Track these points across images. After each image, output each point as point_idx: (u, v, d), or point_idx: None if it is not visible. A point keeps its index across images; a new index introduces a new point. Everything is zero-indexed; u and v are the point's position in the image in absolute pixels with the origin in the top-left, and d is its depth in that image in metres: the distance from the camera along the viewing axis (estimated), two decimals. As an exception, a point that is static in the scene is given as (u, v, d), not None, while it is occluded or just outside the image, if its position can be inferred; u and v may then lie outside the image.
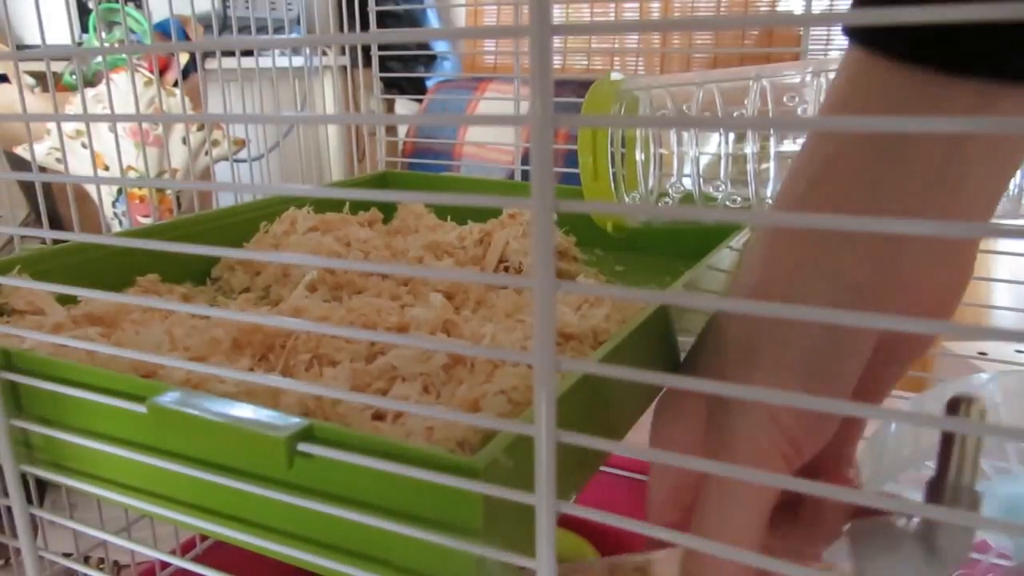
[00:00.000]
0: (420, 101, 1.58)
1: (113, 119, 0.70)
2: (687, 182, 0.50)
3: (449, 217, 0.59)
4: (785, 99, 0.45)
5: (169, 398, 0.26)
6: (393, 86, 1.67)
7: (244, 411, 0.25)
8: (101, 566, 0.68)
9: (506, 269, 0.51)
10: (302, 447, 0.24)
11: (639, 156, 0.49)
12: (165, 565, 0.62)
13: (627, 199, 0.50)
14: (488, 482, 0.21)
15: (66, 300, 0.40)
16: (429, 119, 1.43)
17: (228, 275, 0.50)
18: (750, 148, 0.47)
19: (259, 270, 0.49)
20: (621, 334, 0.31)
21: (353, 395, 0.24)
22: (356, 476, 0.24)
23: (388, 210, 0.62)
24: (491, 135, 1.18)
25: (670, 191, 0.50)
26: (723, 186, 0.48)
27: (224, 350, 0.36)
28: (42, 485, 0.79)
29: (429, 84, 1.63)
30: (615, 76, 0.51)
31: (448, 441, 0.27)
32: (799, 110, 0.46)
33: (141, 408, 0.27)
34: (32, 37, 1.24)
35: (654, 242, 0.59)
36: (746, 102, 0.47)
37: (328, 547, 0.26)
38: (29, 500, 0.35)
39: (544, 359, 0.19)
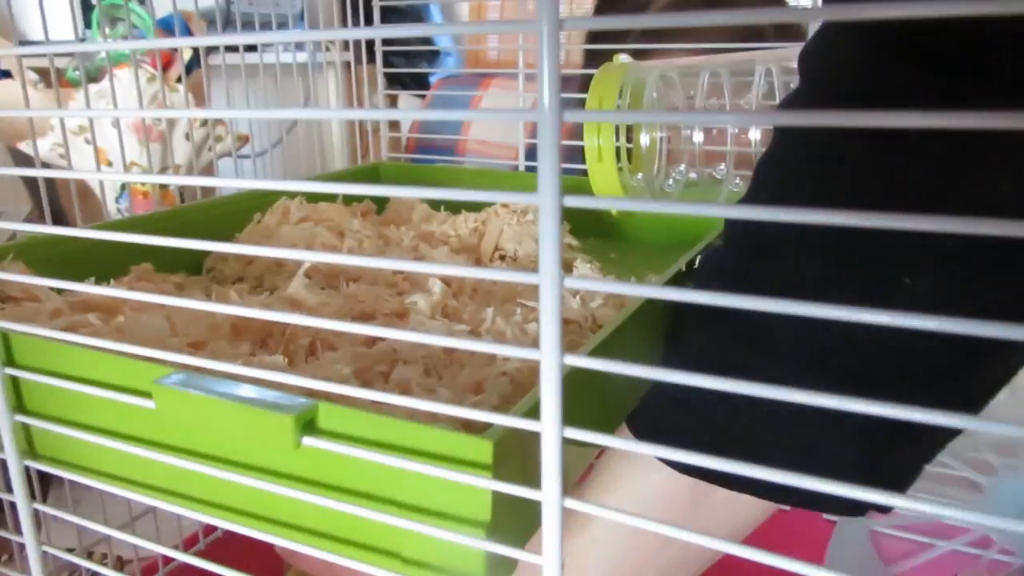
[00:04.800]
0: (423, 97, 1.57)
1: (116, 115, 0.70)
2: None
3: (442, 207, 0.59)
4: (791, 84, 0.45)
5: (174, 379, 0.26)
6: (396, 82, 1.67)
7: (250, 391, 0.25)
8: (104, 561, 0.68)
9: (502, 258, 0.51)
10: (307, 438, 0.24)
11: (644, 139, 0.49)
12: (168, 560, 0.62)
13: (632, 181, 0.50)
14: (498, 465, 0.21)
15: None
16: (432, 114, 1.42)
17: (221, 264, 0.51)
18: (753, 134, 0.47)
19: (251, 259, 0.50)
20: (618, 320, 0.31)
21: (358, 390, 0.23)
22: (362, 461, 0.24)
23: (380, 200, 0.62)
24: (495, 131, 1.18)
25: (674, 174, 0.50)
26: (725, 169, 0.48)
27: (224, 335, 0.36)
28: (45, 478, 0.79)
29: (432, 80, 1.63)
30: (623, 59, 0.51)
31: (453, 423, 0.27)
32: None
33: (149, 403, 0.27)
34: (35, 33, 1.24)
35: (648, 229, 0.60)
36: (752, 87, 0.47)
37: (333, 538, 0.26)
38: (32, 495, 0.35)
39: (552, 356, 0.19)
